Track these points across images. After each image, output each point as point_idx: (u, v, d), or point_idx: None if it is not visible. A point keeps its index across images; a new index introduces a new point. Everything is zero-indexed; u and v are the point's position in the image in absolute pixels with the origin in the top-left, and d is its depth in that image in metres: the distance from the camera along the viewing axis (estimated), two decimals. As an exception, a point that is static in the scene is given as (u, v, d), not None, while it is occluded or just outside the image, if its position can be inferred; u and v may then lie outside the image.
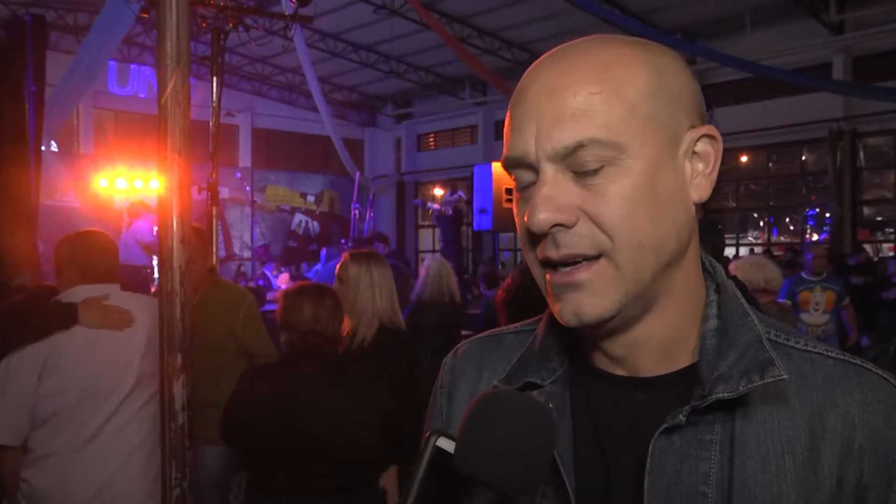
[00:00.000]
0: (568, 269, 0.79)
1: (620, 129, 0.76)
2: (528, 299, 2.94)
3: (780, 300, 5.77)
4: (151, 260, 9.82)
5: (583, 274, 0.78)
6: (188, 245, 2.30)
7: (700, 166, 0.82)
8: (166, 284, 2.27)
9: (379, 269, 3.43)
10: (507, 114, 0.83)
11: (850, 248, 13.05)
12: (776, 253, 14.67)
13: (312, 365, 2.71)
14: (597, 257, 0.78)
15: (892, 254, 14.34)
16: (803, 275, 6.99)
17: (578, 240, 0.77)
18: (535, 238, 0.80)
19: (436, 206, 14.25)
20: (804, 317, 6.78)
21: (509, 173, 0.84)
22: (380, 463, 2.83)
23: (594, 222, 0.77)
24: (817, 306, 6.76)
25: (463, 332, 6.65)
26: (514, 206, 0.85)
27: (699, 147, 0.82)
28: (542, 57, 0.84)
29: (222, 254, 10.91)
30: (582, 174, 0.77)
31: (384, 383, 3.11)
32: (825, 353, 0.83)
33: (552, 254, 0.79)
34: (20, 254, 4.49)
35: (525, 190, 0.82)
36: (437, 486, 0.73)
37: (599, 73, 0.78)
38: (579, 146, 0.76)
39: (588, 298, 0.79)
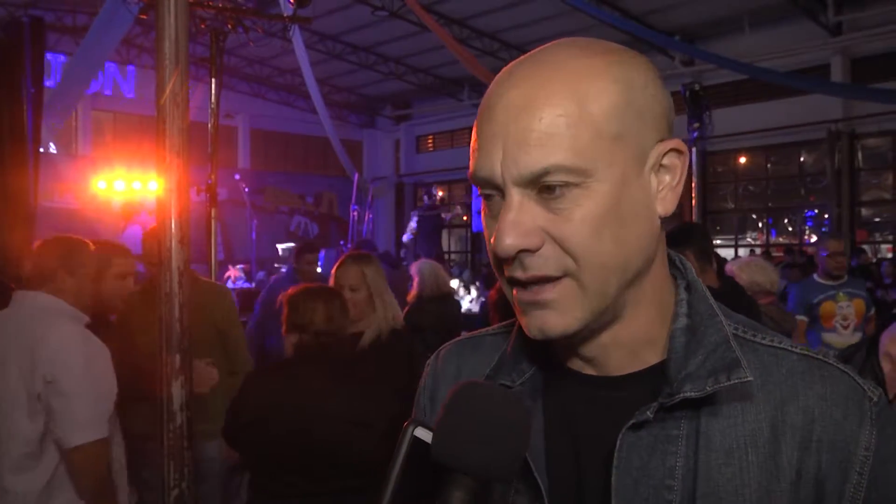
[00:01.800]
0: (534, 287, 0.81)
1: (587, 153, 0.77)
2: None
3: (796, 316, 4.92)
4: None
5: (548, 294, 0.80)
6: (187, 246, 2.30)
7: (667, 178, 0.83)
8: (165, 285, 2.27)
9: (378, 269, 3.45)
10: (474, 128, 0.84)
11: (849, 250, 13.03)
12: (774, 254, 14.69)
13: (322, 366, 2.71)
14: (561, 277, 0.80)
15: (890, 255, 14.34)
16: (817, 278, 5.23)
17: (544, 262, 0.79)
18: (503, 258, 0.82)
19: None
20: (829, 337, 5.03)
21: (476, 186, 0.85)
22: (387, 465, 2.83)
23: (559, 245, 0.79)
24: (846, 321, 4.93)
25: (463, 333, 6.66)
26: (482, 219, 0.86)
27: (666, 160, 0.83)
28: (508, 67, 0.84)
29: (221, 256, 10.91)
30: (548, 196, 0.78)
31: (391, 386, 3.12)
32: (790, 348, 0.86)
33: (519, 275, 0.81)
34: (19, 255, 4.48)
35: (491, 203, 0.83)
36: (418, 475, 0.76)
37: (565, 91, 0.77)
38: (545, 172, 0.77)
39: (553, 316, 0.81)
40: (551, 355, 0.92)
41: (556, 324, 0.81)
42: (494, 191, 0.82)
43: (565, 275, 0.79)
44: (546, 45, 0.84)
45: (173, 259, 2.27)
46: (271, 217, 18.30)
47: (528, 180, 0.78)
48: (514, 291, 0.84)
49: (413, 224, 13.70)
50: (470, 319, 7.54)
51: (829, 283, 5.13)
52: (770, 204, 17.40)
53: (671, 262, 0.92)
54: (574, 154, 0.76)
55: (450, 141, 22.67)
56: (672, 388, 0.81)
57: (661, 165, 0.83)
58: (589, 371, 0.89)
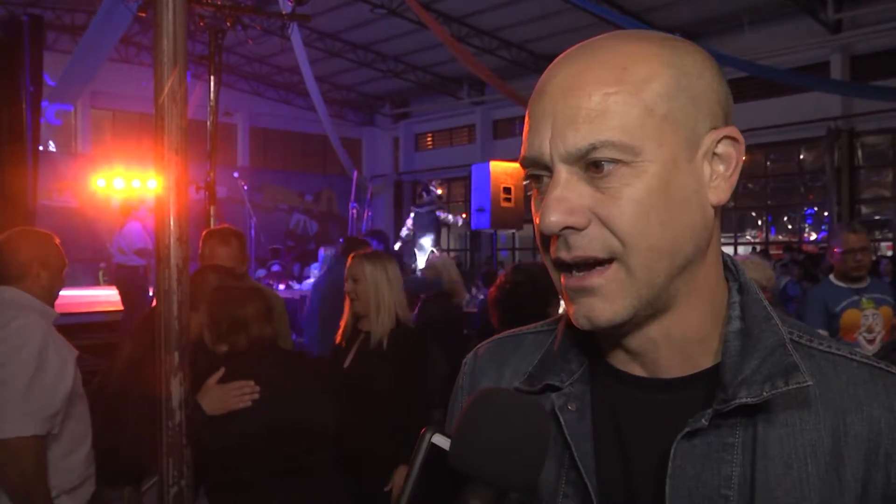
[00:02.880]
0: (581, 273, 0.79)
1: (636, 132, 0.75)
2: (520, 296, 2.95)
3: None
4: (148, 261, 9.79)
5: (595, 279, 0.78)
6: (185, 244, 2.29)
7: (720, 168, 0.80)
8: (163, 283, 2.26)
9: (392, 266, 3.43)
10: (527, 112, 0.82)
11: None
12: (773, 252, 14.69)
13: (264, 370, 2.68)
14: (609, 261, 0.77)
15: (890, 253, 14.35)
16: (835, 281, 4.23)
17: (589, 242, 0.77)
18: (549, 238, 0.80)
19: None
20: None
21: (526, 171, 0.83)
22: (334, 439, 2.81)
23: (606, 226, 0.76)
24: (871, 334, 4.05)
25: (465, 332, 6.68)
26: (532, 203, 0.84)
27: (720, 149, 0.80)
28: (563, 54, 0.83)
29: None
30: (595, 175, 0.76)
31: (384, 387, 3.13)
32: (849, 355, 0.82)
33: (564, 255, 0.79)
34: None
35: (539, 186, 0.82)
36: (436, 482, 0.74)
37: (616, 72, 0.76)
38: (592, 148, 0.75)
39: (601, 303, 0.78)
40: (600, 355, 0.89)
41: (604, 311, 0.78)
42: (543, 171, 0.80)
43: (612, 258, 0.77)
44: (597, 37, 0.83)
45: (172, 256, 2.26)
46: (270, 215, 18.31)
47: (576, 157, 0.76)
48: (562, 278, 0.81)
49: (409, 221, 13.69)
50: (467, 317, 7.52)
51: (850, 286, 4.13)
52: (769, 202, 17.41)
53: (723, 264, 0.88)
54: (622, 131, 0.75)
55: (449, 139, 22.67)
56: (727, 393, 0.78)
57: (714, 154, 0.80)
58: (639, 372, 0.86)
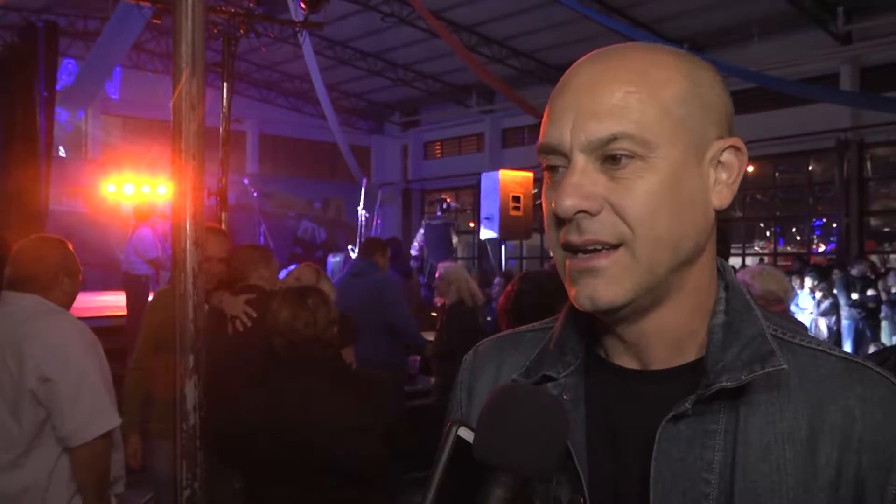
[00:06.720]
0: (587, 255, 0.83)
1: (652, 128, 0.81)
2: (528, 305, 2.98)
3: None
4: (155, 272, 9.76)
5: (601, 261, 0.83)
6: (201, 248, 2.31)
7: (723, 175, 0.87)
8: (179, 286, 2.28)
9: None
10: (547, 106, 0.88)
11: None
12: (781, 263, 14.65)
13: (308, 372, 2.59)
14: (616, 246, 0.82)
15: (899, 265, 14.28)
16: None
17: (600, 227, 0.82)
18: (560, 222, 0.85)
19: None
20: None
21: (541, 159, 0.88)
22: (386, 471, 2.70)
23: (617, 213, 0.81)
24: None
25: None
26: (542, 190, 0.89)
27: (724, 157, 0.87)
28: (584, 56, 0.89)
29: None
30: (611, 167, 0.81)
31: (390, 389, 3.07)
32: (828, 350, 0.87)
33: (574, 238, 0.83)
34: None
35: (555, 175, 0.86)
36: (459, 473, 0.78)
37: (637, 74, 0.83)
38: (612, 138, 0.80)
39: (604, 284, 0.83)
40: (595, 348, 0.94)
41: (606, 293, 0.83)
42: (560, 159, 0.85)
43: (620, 243, 0.82)
44: (617, 45, 0.89)
45: (188, 260, 2.28)
46: (279, 222, 18.33)
47: (596, 146, 0.81)
48: (567, 262, 0.86)
49: (419, 235, 13.68)
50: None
51: None
52: (778, 213, 17.38)
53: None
54: (640, 126, 0.80)
55: (458, 147, 22.71)
56: (709, 379, 0.83)
57: (719, 162, 0.86)
58: (631, 364, 0.91)
